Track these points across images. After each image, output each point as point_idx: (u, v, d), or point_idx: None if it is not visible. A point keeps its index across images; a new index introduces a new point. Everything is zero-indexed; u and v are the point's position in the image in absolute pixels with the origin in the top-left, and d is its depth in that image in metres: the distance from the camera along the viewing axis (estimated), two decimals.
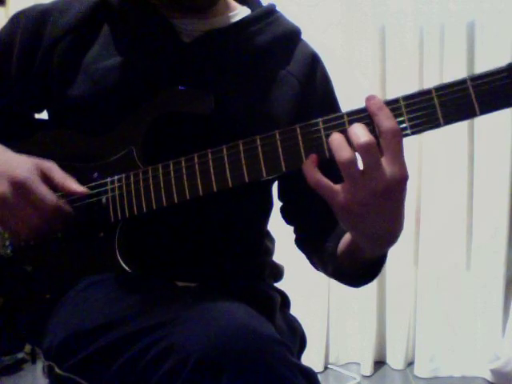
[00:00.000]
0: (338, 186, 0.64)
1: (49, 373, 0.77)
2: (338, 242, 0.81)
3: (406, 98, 0.64)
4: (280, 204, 1.00)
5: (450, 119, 0.64)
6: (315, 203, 0.91)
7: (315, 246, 0.90)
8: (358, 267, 0.78)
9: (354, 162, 0.61)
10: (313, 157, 0.66)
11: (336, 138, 0.63)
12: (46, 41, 0.88)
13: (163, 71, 0.85)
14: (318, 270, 0.96)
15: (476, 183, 2.14)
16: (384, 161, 0.61)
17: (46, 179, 0.78)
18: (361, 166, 0.62)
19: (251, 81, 0.88)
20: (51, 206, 0.76)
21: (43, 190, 0.76)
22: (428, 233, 2.17)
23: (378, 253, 0.74)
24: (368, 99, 0.63)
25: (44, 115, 0.97)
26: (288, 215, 0.98)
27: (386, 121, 0.61)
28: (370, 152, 0.61)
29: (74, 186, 0.79)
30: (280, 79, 0.90)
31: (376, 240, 0.69)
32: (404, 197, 0.64)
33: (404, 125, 0.64)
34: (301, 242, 0.97)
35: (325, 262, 0.86)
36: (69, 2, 0.90)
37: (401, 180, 0.61)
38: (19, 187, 0.75)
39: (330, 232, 0.85)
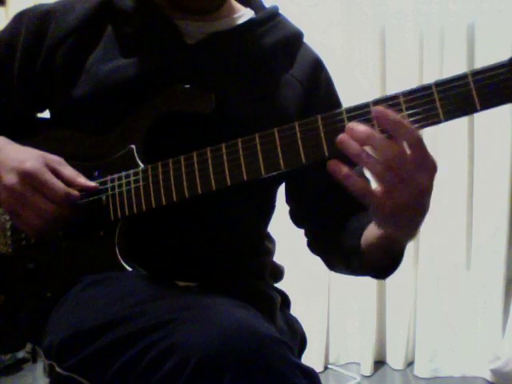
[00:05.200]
0: (379, 193, 0.63)
1: (49, 372, 0.77)
2: (359, 239, 0.81)
3: (406, 93, 0.64)
4: (288, 208, 0.99)
5: (450, 115, 0.63)
6: (324, 204, 0.92)
7: (330, 246, 0.90)
8: (387, 259, 0.80)
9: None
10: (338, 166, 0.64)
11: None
12: (49, 41, 0.88)
13: (166, 72, 0.85)
14: (335, 270, 0.95)
15: (476, 183, 2.14)
16: (413, 164, 0.61)
17: (54, 172, 0.78)
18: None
19: (254, 83, 0.88)
20: (61, 193, 0.77)
21: (52, 179, 0.77)
22: (428, 233, 2.16)
23: (410, 239, 0.76)
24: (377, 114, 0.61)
25: (45, 114, 0.97)
26: (297, 218, 0.98)
27: (409, 133, 0.61)
28: (403, 163, 0.61)
29: (84, 181, 0.80)
30: (283, 82, 0.90)
31: (412, 229, 0.71)
32: (433, 183, 0.65)
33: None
34: (314, 245, 0.97)
35: (347, 259, 0.85)
36: (72, 3, 0.90)
37: (433, 173, 0.63)
38: (29, 178, 0.76)
39: (344, 230, 0.86)
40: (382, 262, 0.81)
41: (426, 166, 0.62)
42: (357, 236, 0.82)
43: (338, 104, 0.97)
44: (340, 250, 0.86)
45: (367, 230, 0.80)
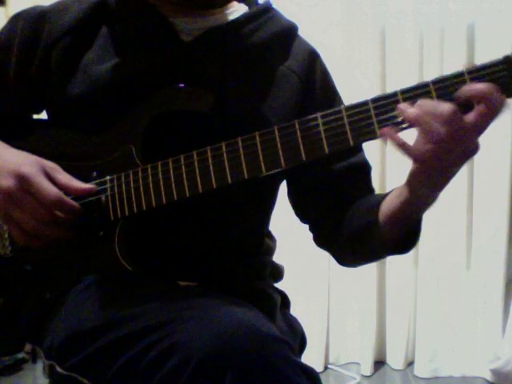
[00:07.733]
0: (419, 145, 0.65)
1: (50, 372, 0.77)
2: (377, 214, 0.80)
3: (405, 91, 0.65)
4: (290, 204, 0.97)
5: None
6: (327, 193, 0.90)
7: (341, 234, 0.88)
8: (402, 232, 0.78)
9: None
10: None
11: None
12: (44, 41, 0.88)
13: (163, 70, 0.85)
14: (346, 262, 0.93)
15: (476, 183, 2.14)
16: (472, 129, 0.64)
17: (49, 178, 0.78)
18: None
19: (251, 78, 0.88)
20: (54, 198, 0.76)
21: (46, 184, 0.77)
22: (428, 233, 2.16)
23: (422, 213, 0.76)
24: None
25: (43, 115, 0.97)
26: (301, 212, 0.96)
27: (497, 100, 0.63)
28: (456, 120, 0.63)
29: (79, 184, 0.79)
30: (280, 76, 0.90)
31: (429, 198, 0.72)
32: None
33: (401, 118, 0.64)
34: (322, 238, 0.94)
35: (363, 242, 0.84)
36: (68, 3, 0.90)
37: (476, 151, 0.65)
38: (24, 182, 0.76)
39: (354, 213, 0.85)
40: (401, 235, 0.79)
41: (479, 133, 0.64)
42: (373, 212, 0.80)
43: (334, 93, 0.96)
44: (353, 233, 0.84)
45: (383, 203, 0.79)
